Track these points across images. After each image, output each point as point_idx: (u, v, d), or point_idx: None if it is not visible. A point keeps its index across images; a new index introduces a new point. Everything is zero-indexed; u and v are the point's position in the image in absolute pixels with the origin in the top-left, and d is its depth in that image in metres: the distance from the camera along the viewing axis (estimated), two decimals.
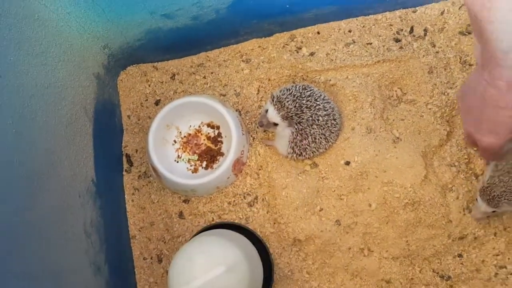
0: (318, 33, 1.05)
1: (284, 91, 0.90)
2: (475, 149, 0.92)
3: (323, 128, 0.91)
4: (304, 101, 0.89)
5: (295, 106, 0.88)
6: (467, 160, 0.93)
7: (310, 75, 1.02)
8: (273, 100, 0.89)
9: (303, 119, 0.88)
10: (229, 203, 0.98)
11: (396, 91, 0.99)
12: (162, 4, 0.88)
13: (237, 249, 0.75)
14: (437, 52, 0.99)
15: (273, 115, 0.88)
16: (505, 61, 0.56)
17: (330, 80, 1.00)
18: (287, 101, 0.88)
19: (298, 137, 0.90)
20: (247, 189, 0.98)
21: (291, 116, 0.88)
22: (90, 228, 0.84)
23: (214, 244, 0.76)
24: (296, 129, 0.89)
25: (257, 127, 0.99)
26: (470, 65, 0.98)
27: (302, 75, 1.03)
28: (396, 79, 1.00)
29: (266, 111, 0.90)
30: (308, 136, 0.90)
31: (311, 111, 0.89)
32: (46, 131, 0.77)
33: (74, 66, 0.87)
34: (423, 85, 0.97)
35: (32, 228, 0.71)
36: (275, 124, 0.90)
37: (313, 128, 0.90)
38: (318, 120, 0.90)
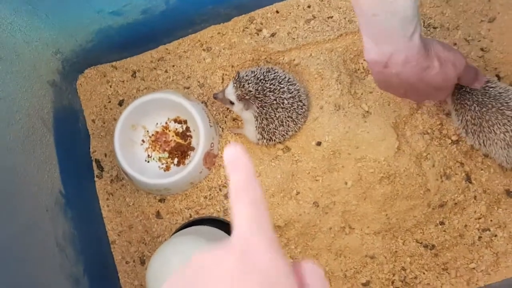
0: (277, 12, 1.01)
1: (248, 72, 0.88)
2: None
3: (289, 111, 0.88)
4: (267, 85, 0.87)
5: (256, 89, 0.85)
6: (440, 125, 0.91)
7: (274, 56, 0.99)
8: (235, 78, 0.88)
9: (266, 103, 0.86)
10: (205, 197, 0.96)
11: (362, 63, 0.97)
12: (107, 2, 0.85)
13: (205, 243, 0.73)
14: None
15: (230, 93, 0.87)
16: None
17: (294, 59, 0.98)
18: (248, 83, 0.86)
19: (264, 122, 0.88)
20: (222, 181, 0.96)
21: (247, 99, 0.86)
22: (63, 241, 0.82)
23: (189, 244, 0.75)
24: (259, 113, 0.87)
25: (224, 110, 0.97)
26: (435, 27, 0.96)
27: (265, 58, 1.00)
28: (361, 51, 0.97)
29: (227, 86, 0.89)
30: (274, 120, 0.88)
31: (275, 95, 0.87)
32: (1, 148, 0.74)
33: (25, 76, 0.84)
34: None
35: (1, 251, 0.69)
36: (231, 103, 0.88)
37: (278, 112, 0.88)
38: (283, 103, 0.88)
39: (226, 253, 0.32)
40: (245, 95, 0.85)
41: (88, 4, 0.83)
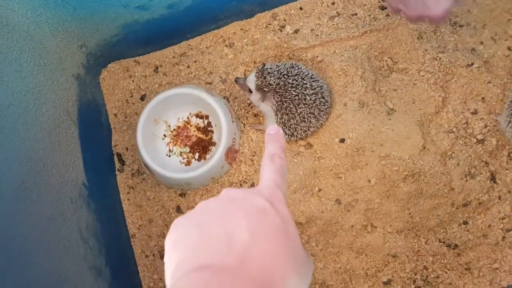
0: (301, 8, 1.01)
1: (273, 66, 0.89)
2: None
3: (311, 107, 0.88)
4: (290, 80, 0.87)
5: (277, 84, 0.86)
6: (465, 124, 0.90)
7: (296, 53, 0.99)
8: (258, 68, 0.88)
9: (287, 97, 0.86)
10: None
11: (386, 61, 0.96)
12: None
13: None
14: None
15: (251, 81, 0.88)
16: None
17: (317, 56, 0.97)
18: (270, 76, 0.86)
19: (285, 117, 0.88)
20: (242, 177, 0.96)
21: (266, 91, 0.86)
22: (86, 233, 0.83)
23: None
24: (278, 107, 0.87)
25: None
26: (461, 26, 0.95)
27: (288, 54, 0.99)
28: (386, 48, 0.96)
29: (250, 74, 0.90)
30: (295, 115, 0.88)
31: (298, 90, 0.87)
32: (28, 139, 0.74)
33: (52, 69, 0.84)
34: (413, 52, 0.94)
35: (26, 240, 0.69)
36: (250, 91, 0.89)
37: (300, 108, 0.87)
38: (305, 99, 0.87)
39: (255, 194, 0.39)
40: (264, 86, 0.86)
41: None
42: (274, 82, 0.86)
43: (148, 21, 0.91)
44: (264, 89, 0.86)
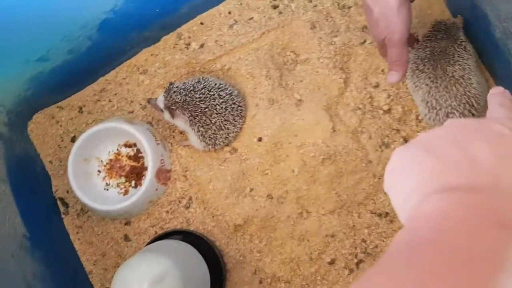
0: (202, 23, 1.06)
1: (180, 84, 0.94)
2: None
3: (224, 115, 0.93)
4: (197, 95, 0.92)
5: (184, 100, 0.91)
6: (370, 99, 0.95)
7: (206, 66, 1.03)
8: (166, 88, 0.94)
9: (197, 111, 0.91)
10: (167, 212, 1.00)
11: (289, 55, 1.01)
12: (30, 51, 0.89)
13: (165, 259, 0.77)
14: (315, 5, 1.00)
15: (160, 101, 0.93)
16: None
17: (225, 65, 1.02)
18: (176, 94, 0.91)
19: (201, 129, 0.93)
20: (179, 194, 1.00)
21: (174, 108, 0.91)
22: (34, 281, 0.86)
23: (141, 261, 0.79)
24: (191, 122, 0.92)
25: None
26: (349, 7, 1.00)
27: (199, 69, 1.04)
28: (286, 43, 1.01)
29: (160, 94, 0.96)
30: (211, 126, 0.92)
31: (206, 103, 0.92)
32: None
33: None
34: (310, 42, 0.99)
35: None
36: (162, 110, 0.94)
37: (213, 118, 0.92)
38: (216, 109, 0.92)
39: (490, 120, 0.39)
40: (171, 104, 0.91)
41: (12, 57, 0.87)
42: (180, 100, 0.91)
43: (54, 69, 0.95)
44: (171, 107, 0.91)
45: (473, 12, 0.87)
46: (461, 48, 0.87)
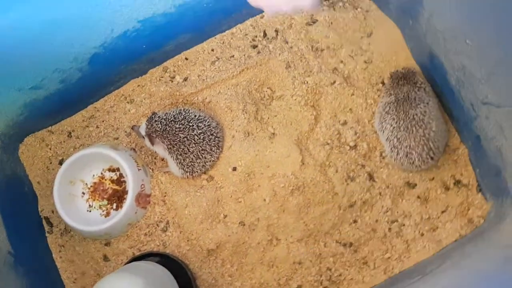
0: (186, 59, 1.14)
1: (162, 114, 1.01)
2: None
3: (202, 145, 0.99)
4: (177, 125, 0.99)
5: (164, 130, 0.98)
6: (338, 135, 1.02)
7: (189, 98, 1.11)
8: (148, 117, 1.01)
9: (176, 140, 0.98)
10: (145, 234, 1.06)
11: (266, 91, 1.08)
12: (24, 80, 0.96)
13: (140, 280, 0.83)
14: (291, 47, 1.09)
15: (142, 128, 1.01)
16: None
17: (206, 98, 1.09)
18: (157, 123, 0.99)
19: (179, 157, 0.99)
20: (157, 218, 1.06)
21: (153, 136, 0.99)
22: None
23: (119, 279, 0.84)
24: (170, 150, 0.99)
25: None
26: (322, 50, 1.08)
27: (182, 100, 1.11)
28: (263, 81, 1.09)
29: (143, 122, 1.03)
30: (189, 154, 0.99)
31: (186, 132, 0.99)
32: None
33: None
34: (285, 80, 1.06)
35: None
36: (143, 137, 1.02)
37: (191, 147, 0.99)
38: (194, 139, 0.99)
39: None
40: (151, 132, 0.99)
41: (7, 85, 0.94)
42: (160, 128, 0.98)
43: (47, 97, 1.03)
44: (152, 134, 0.98)
45: (432, 61, 0.95)
46: (421, 91, 0.95)
